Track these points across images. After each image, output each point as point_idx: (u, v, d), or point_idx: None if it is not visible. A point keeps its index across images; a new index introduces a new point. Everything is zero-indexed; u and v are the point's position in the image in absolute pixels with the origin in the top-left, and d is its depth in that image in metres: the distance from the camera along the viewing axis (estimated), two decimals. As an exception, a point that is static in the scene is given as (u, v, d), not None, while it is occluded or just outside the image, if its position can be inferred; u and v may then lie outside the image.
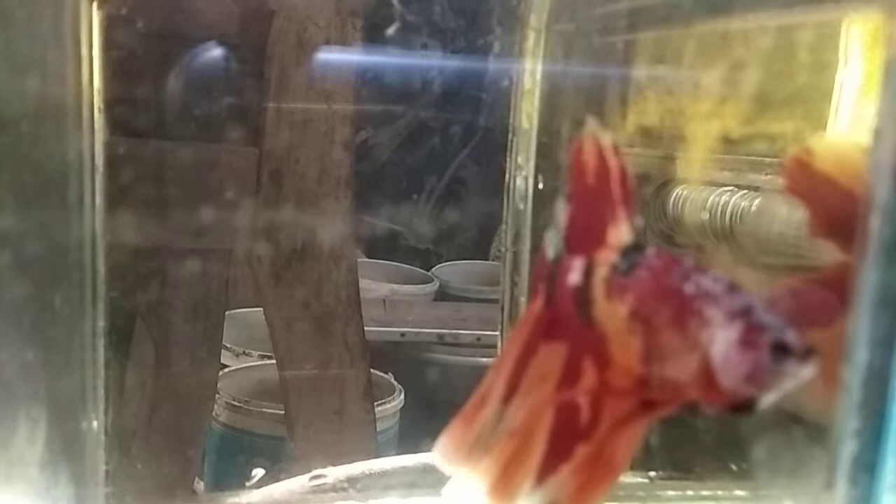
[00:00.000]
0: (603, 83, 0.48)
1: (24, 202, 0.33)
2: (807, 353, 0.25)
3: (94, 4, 0.36)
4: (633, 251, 0.31)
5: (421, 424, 1.44)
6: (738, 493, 0.44)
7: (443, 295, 2.00)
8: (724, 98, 0.39)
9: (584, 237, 0.32)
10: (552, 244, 0.33)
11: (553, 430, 0.31)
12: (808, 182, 0.34)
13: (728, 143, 0.50)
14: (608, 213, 0.31)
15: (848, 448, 0.23)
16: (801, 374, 0.25)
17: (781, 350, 0.25)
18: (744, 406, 0.26)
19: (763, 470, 0.40)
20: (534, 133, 0.47)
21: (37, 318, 0.34)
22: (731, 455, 0.44)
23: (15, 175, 0.33)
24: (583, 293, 0.31)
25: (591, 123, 0.31)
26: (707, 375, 0.27)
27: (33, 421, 0.34)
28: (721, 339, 0.26)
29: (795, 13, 0.43)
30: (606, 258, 0.31)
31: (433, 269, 2.15)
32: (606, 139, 0.31)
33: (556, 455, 0.31)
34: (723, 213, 0.57)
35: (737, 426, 0.43)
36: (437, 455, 0.33)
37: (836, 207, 0.32)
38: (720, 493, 0.45)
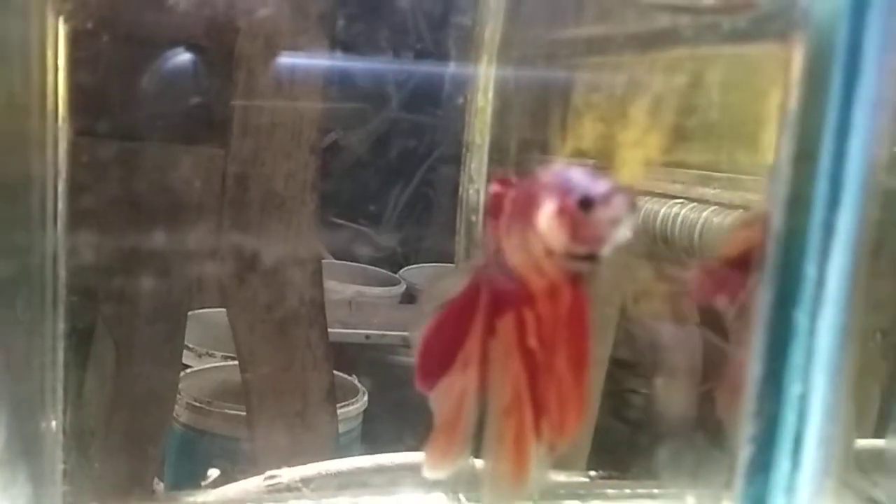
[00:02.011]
0: (546, 106, 0.51)
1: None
2: (610, 196, 0.29)
3: (61, 18, 0.37)
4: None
5: (384, 426, 1.46)
6: (672, 490, 0.46)
7: (409, 298, 2.01)
8: (649, 127, 0.42)
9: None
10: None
11: (531, 388, 0.34)
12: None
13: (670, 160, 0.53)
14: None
15: (745, 452, 0.26)
16: (614, 216, 0.29)
17: (588, 203, 0.29)
18: (586, 260, 0.30)
19: (674, 471, 0.43)
20: (486, 148, 0.49)
21: (-2, 323, 0.36)
22: (658, 457, 0.47)
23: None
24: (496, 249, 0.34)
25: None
26: (546, 249, 0.30)
27: (-8, 422, 0.35)
28: (544, 214, 0.30)
29: (710, 49, 0.46)
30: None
31: (401, 271, 2.16)
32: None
33: (538, 405, 0.33)
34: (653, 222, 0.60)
35: (666, 433, 0.45)
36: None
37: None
38: (656, 490, 0.48)
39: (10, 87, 0.35)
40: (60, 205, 0.40)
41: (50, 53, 0.37)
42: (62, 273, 0.41)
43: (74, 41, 0.40)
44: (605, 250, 0.30)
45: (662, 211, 0.67)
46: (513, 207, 0.33)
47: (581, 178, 0.30)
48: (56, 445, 0.40)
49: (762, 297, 0.25)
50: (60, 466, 0.41)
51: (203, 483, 0.85)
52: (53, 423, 0.40)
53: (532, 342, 0.33)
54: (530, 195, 0.31)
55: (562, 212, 0.30)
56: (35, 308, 0.38)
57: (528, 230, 0.31)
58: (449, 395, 0.36)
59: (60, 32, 0.38)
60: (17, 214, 0.37)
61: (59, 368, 0.41)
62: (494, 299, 0.35)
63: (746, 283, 0.36)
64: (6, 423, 0.35)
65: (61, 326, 0.41)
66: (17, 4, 0.35)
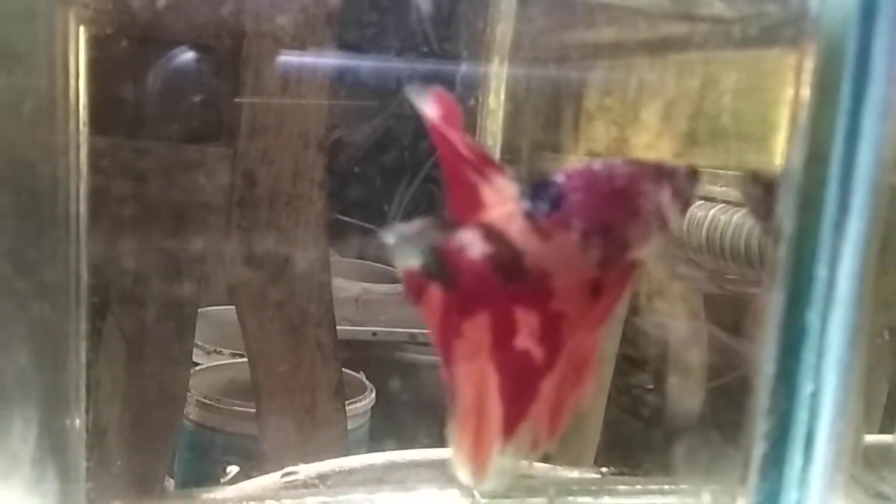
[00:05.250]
0: (558, 108, 0.51)
1: (21, 220, 0.36)
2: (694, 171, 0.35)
3: (82, 28, 0.38)
4: (539, 192, 0.33)
5: (391, 423, 1.47)
6: (683, 486, 0.47)
7: (415, 294, 2.01)
8: (661, 131, 0.43)
9: (462, 211, 0.34)
10: (413, 255, 0.34)
11: (504, 388, 0.33)
12: None
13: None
14: (475, 180, 0.34)
15: (758, 448, 0.27)
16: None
17: (693, 175, 0.35)
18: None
19: (690, 466, 0.44)
20: (497, 150, 0.50)
21: (29, 325, 0.37)
22: (673, 453, 0.48)
23: (11, 194, 0.35)
24: (504, 255, 0.33)
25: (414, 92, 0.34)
26: (663, 228, 0.33)
27: (26, 421, 0.36)
28: (664, 200, 0.33)
29: (721, 55, 0.46)
30: (508, 215, 0.33)
31: (406, 268, 2.16)
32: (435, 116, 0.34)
33: (519, 404, 0.34)
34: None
35: (681, 430, 0.46)
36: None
37: None
38: (666, 487, 0.48)
39: (37, 94, 0.36)
40: (82, 208, 0.41)
41: (72, 59, 0.38)
42: (84, 274, 0.42)
43: (94, 47, 0.41)
44: None
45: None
46: (594, 197, 0.33)
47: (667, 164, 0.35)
48: (80, 443, 0.41)
49: (774, 298, 0.26)
50: (84, 464, 0.42)
51: (222, 480, 0.86)
52: (77, 421, 0.41)
53: (527, 344, 0.33)
54: (623, 186, 0.33)
55: (678, 192, 0.34)
56: (61, 309, 0.39)
57: (638, 218, 0.33)
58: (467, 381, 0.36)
59: (81, 39, 0.39)
60: (46, 219, 0.38)
61: (81, 367, 0.42)
62: (465, 301, 0.33)
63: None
64: (37, 421, 0.36)
65: (83, 326, 0.42)
66: (42, 13, 0.36)
